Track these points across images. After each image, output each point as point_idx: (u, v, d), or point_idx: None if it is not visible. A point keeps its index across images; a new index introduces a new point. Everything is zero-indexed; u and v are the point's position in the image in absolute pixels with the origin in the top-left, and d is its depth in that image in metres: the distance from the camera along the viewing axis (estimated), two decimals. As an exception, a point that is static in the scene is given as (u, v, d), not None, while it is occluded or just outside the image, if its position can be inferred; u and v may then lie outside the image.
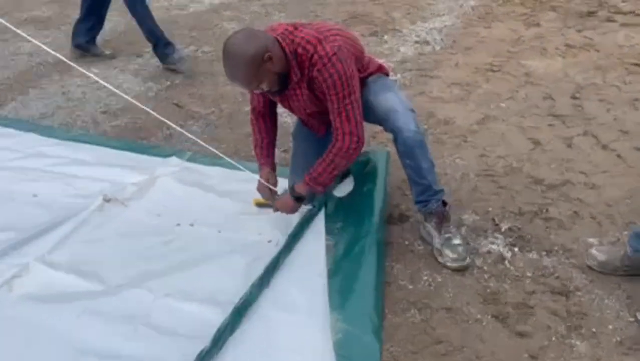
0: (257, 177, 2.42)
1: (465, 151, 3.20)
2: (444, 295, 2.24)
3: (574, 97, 3.69)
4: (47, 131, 3.19)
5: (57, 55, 2.18)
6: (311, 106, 2.26)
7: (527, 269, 2.37)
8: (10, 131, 3.15)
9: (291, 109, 2.36)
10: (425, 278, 2.33)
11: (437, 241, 2.39)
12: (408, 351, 2.02)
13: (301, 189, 2.30)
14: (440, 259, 2.36)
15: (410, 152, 2.25)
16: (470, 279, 2.32)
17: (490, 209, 2.73)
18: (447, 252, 2.35)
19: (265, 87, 2.09)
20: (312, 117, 2.37)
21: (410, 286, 2.28)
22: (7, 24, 2.04)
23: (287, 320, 2.00)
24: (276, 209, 2.38)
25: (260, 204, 2.56)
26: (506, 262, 2.42)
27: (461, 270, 2.33)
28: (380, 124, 2.31)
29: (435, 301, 2.21)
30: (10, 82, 3.91)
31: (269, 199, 2.40)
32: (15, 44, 4.48)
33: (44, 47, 2.09)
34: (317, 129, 2.48)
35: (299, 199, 2.33)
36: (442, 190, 2.40)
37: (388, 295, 2.20)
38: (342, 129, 2.16)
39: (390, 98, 2.26)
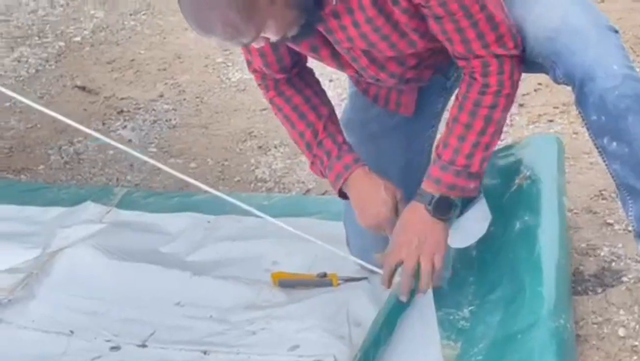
0: (274, 222, 1.93)
1: None
2: None
3: None
4: None
5: None
6: (383, 46, 1.73)
7: None
8: None
9: (336, 62, 1.86)
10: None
11: None
12: None
13: (442, 191, 1.76)
14: None
15: (616, 122, 1.65)
16: None
17: None
18: None
19: (272, 33, 1.61)
20: (386, 72, 1.83)
21: None
22: None
23: None
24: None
25: (286, 282, 2.01)
26: None
27: None
28: (541, 67, 1.74)
29: None
30: None
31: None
32: None
33: None
34: (401, 99, 1.97)
35: (445, 215, 1.77)
36: None
37: None
38: (483, 50, 1.67)
39: (559, 6, 1.71)
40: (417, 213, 1.71)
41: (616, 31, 1.68)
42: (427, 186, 1.71)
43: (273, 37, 1.60)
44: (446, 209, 1.70)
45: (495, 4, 1.64)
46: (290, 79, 1.89)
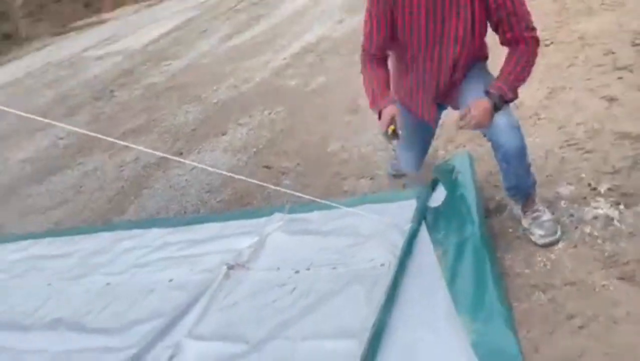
0: (352, 210, 2.11)
1: (543, 128, 2.67)
2: (564, 271, 1.82)
3: (634, 44, 3.10)
4: (166, 222, 2.90)
5: (157, 153, 2.42)
6: (466, 20, 1.74)
7: (638, 223, 1.92)
8: (136, 231, 2.86)
9: (410, 26, 1.77)
10: (539, 259, 1.90)
11: (524, 221, 2.00)
12: (545, 333, 1.65)
13: (501, 93, 1.73)
14: (532, 238, 1.97)
15: (509, 161, 1.85)
16: (585, 249, 1.88)
17: (583, 175, 2.24)
18: (535, 230, 1.95)
19: None
20: (453, 52, 1.82)
21: (527, 271, 1.86)
22: (113, 140, 2.16)
23: (421, 336, 1.68)
24: (465, 121, 1.75)
25: (393, 135, 1.88)
26: (615, 222, 1.96)
27: (553, 245, 1.91)
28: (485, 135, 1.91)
29: (557, 278, 1.80)
30: (125, 190, 3.64)
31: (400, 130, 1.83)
32: (120, 156, 4.16)
33: (147, 150, 2.15)
34: (430, 110, 1.99)
35: (498, 107, 1.75)
36: (534, 183, 2.00)
37: (509, 285, 1.81)
38: (525, 27, 1.70)
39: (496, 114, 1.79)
40: (486, 103, 1.74)
41: (518, 128, 1.81)
42: (492, 90, 1.75)
43: None
44: (499, 105, 1.75)
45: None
46: (379, 59, 1.94)
